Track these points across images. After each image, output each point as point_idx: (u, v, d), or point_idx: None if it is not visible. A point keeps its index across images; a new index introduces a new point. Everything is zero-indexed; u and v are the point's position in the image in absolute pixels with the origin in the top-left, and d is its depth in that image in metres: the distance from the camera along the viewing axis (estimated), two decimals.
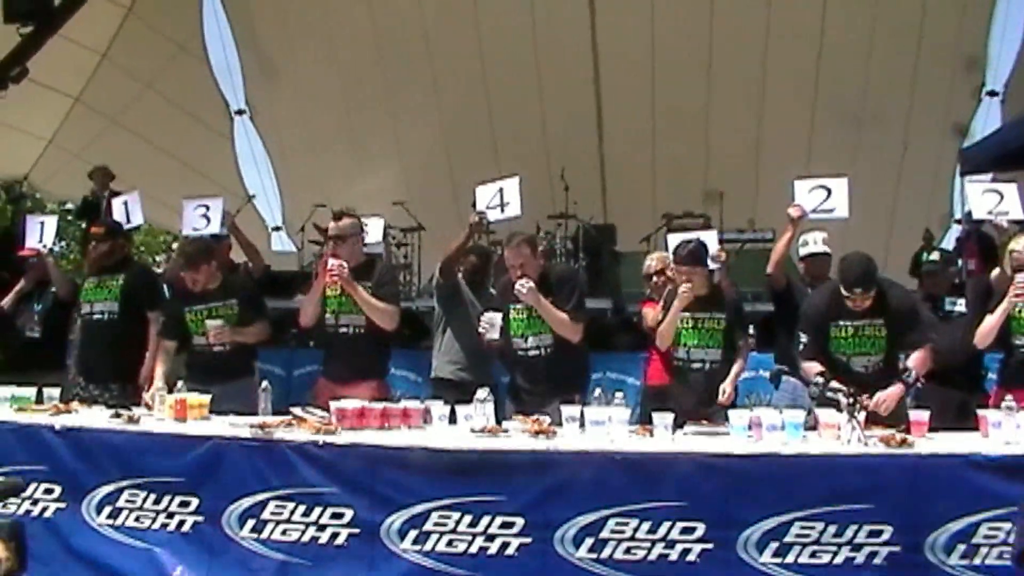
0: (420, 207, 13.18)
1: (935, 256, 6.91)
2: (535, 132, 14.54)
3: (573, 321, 6.24)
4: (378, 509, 5.03)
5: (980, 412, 5.28)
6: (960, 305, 6.89)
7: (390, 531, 5.01)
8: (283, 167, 16.20)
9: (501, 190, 6.82)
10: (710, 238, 7.04)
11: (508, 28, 13.96)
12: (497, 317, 6.20)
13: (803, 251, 7.25)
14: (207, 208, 7.43)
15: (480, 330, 6.24)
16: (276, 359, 9.71)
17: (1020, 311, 6.05)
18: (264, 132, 15.94)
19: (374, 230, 7.65)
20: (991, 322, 6.03)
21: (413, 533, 4.97)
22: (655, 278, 7.20)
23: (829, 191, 6.48)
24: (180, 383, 6.08)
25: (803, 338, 6.04)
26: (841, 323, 5.95)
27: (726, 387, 6.21)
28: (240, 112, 15.77)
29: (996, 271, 6.50)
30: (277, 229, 16.60)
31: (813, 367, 5.88)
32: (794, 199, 6.54)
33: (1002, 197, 6.56)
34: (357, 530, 5.06)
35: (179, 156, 14.71)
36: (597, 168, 14.87)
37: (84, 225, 11.60)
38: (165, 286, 7.45)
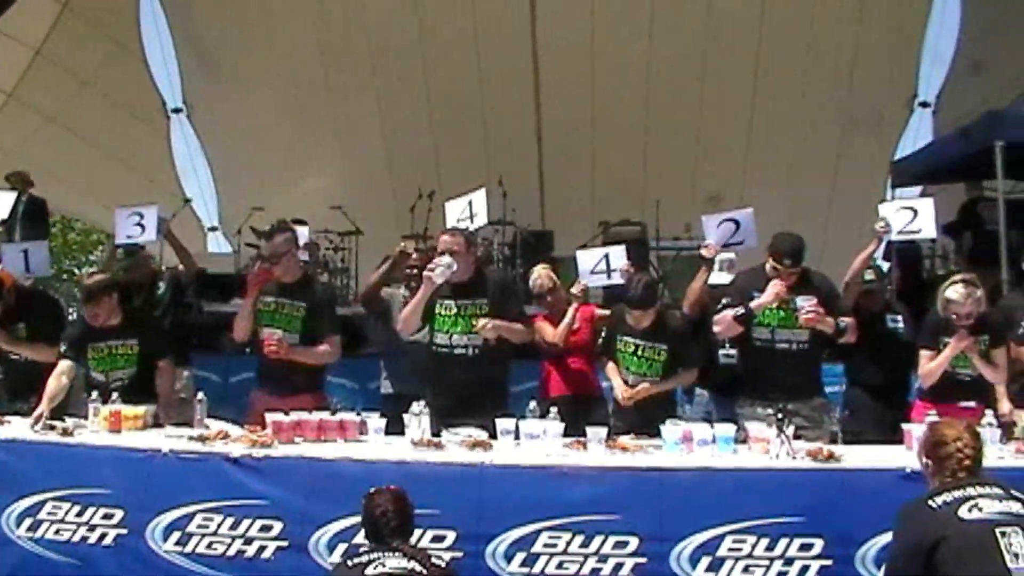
0: (359, 211, 13.12)
1: (870, 275, 6.97)
2: (476, 138, 14.55)
3: (528, 328, 6.34)
4: (308, 522, 5.00)
5: (905, 426, 5.40)
6: (899, 322, 6.99)
7: (319, 545, 4.98)
8: (221, 167, 16.04)
9: (470, 203, 6.93)
10: (617, 253, 7.14)
11: (450, 35, 13.98)
12: (452, 262, 5.98)
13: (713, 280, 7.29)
14: (141, 216, 7.35)
15: (428, 268, 6.02)
16: (212, 366, 9.58)
17: None
18: (202, 131, 15.75)
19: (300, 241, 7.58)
20: (935, 364, 6.13)
21: (342, 547, 4.93)
22: (548, 296, 7.18)
23: (737, 224, 6.72)
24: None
25: (725, 301, 6.23)
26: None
27: (638, 389, 6.29)
28: (177, 110, 15.55)
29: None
30: (213, 229, 16.46)
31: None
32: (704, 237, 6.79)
33: (916, 214, 6.65)
34: (285, 543, 5.02)
35: (116, 154, 14.52)
36: (536, 174, 14.92)
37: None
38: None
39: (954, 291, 6.02)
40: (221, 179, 16.13)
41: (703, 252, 6.77)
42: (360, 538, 4.51)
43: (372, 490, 4.35)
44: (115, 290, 6.50)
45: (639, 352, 6.36)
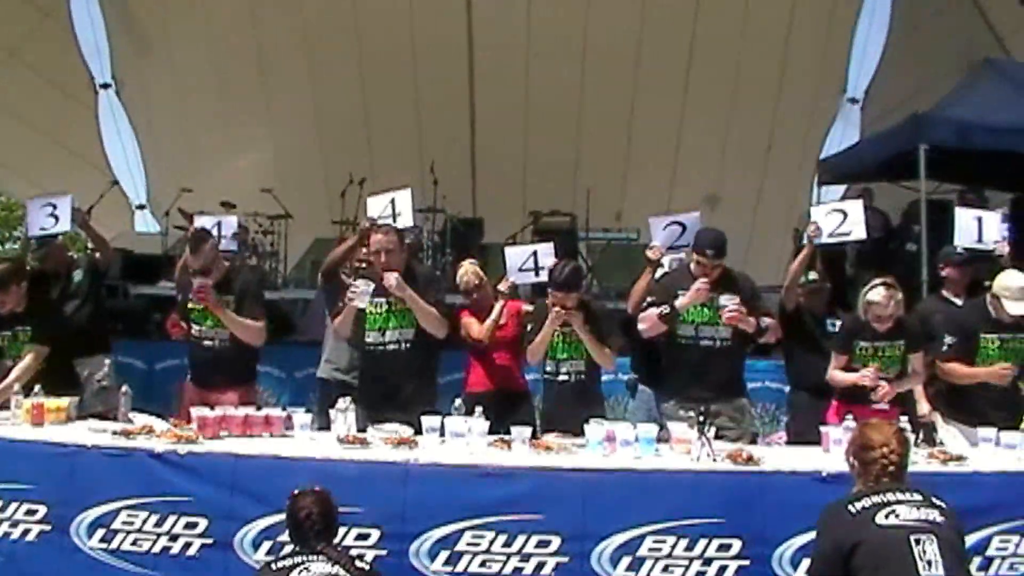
0: (290, 193, 13.02)
1: (813, 275, 7.04)
2: (408, 124, 14.54)
3: (441, 318, 6.29)
4: (233, 519, 4.98)
5: (822, 428, 5.54)
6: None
7: (244, 542, 4.97)
8: (150, 144, 15.78)
9: (393, 201, 6.85)
10: (545, 250, 7.10)
11: (385, 17, 13.91)
12: (369, 285, 6.08)
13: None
14: (54, 207, 7.13)
15: (348, 295, 6.09)
16: (137, 352, 9.42)
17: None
18: (131, 108, 15.50)
19: (226, 231, 7.48)
20: (842, 379, 6.24)
21: (267, 544, 4.93)
22: (474, 294, 7.15)
23: (684, 227, 6.76)
24: None
25: (650, 299, 6.34)
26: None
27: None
28: (105, 86, 15.28)
29: None
30: (141, 208, 16.21)
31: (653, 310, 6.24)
32: (651, 239, 6.83)
33: (845, 216, 6.78)
34: (210, 540, 5.00)
35: (42, 129, 14.24)
36: (468, 161, 14.95)
37: None
38: None
39: (876, 293, 6.12)
40: (150, 158, 15.87)
41: (648, 254, 6.79)
42: (285, 536, 4.49)
43: (296, 491, 4.36)
44: (24, 277, 6.40)
45: (565, 338, 6.32)
